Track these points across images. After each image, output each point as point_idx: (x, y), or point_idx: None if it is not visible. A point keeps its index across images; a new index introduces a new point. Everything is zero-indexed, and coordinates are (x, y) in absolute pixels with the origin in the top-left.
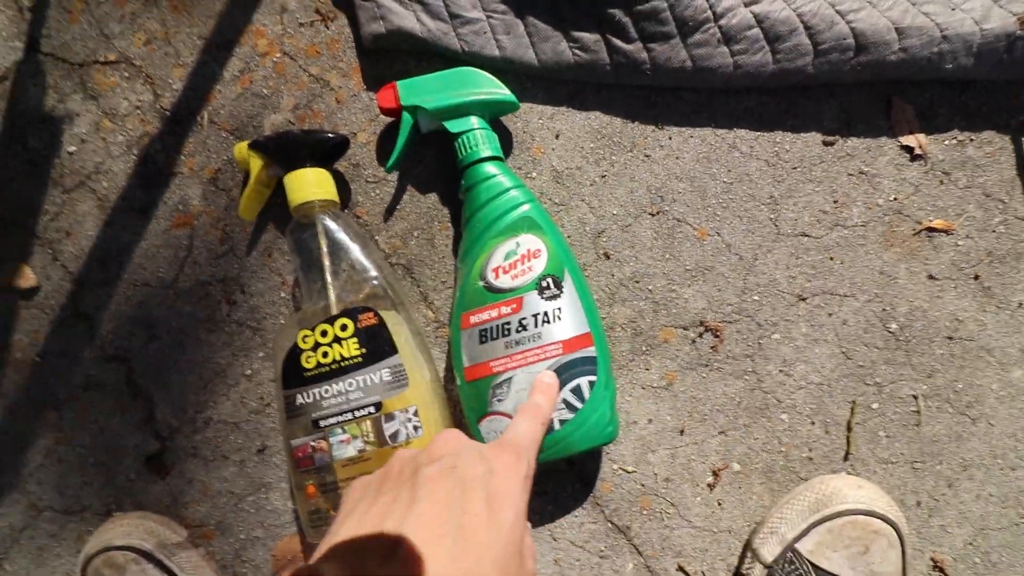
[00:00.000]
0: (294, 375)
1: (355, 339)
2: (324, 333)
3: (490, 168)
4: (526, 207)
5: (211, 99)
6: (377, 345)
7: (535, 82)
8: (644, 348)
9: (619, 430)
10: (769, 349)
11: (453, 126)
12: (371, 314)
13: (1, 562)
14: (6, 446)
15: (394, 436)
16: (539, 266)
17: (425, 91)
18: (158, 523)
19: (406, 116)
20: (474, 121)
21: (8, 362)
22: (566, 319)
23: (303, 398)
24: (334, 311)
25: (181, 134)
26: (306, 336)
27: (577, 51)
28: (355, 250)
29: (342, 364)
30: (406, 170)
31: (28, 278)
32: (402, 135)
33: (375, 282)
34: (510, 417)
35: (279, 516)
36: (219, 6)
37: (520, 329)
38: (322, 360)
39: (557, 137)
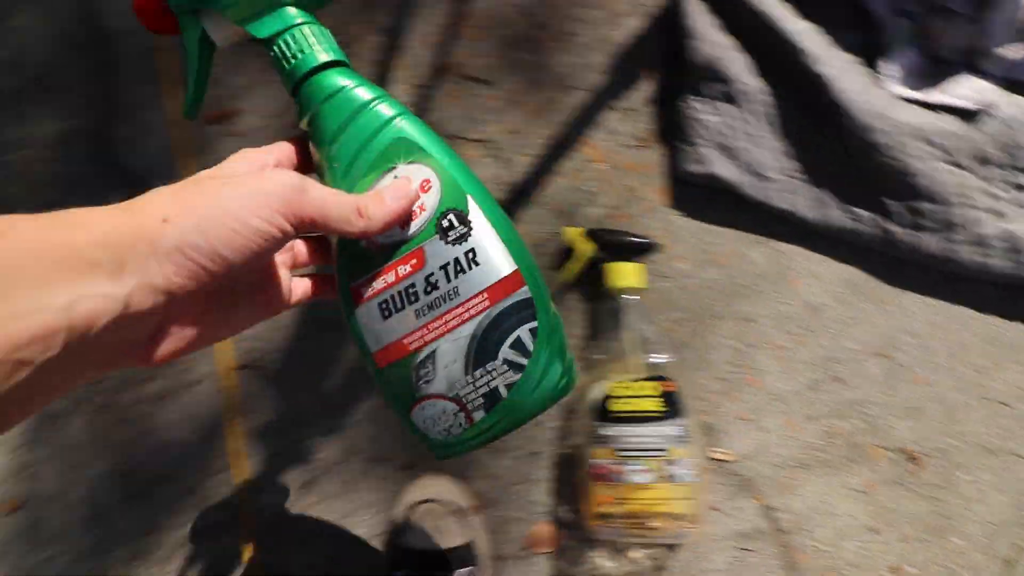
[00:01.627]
0: (604, 412)
1: (657, 399)
2: (631, 387)
3: (337, 78)
4: (398, 122)
5: (545, 184)
6: (673, 406)
7: (805, 230)
8: (856, 457)
9: (577, 380)
10: (957, 485)
11: (262, 27)
12: (671, 382)
13: (313, 484)
14: (341, 401)
15: (673, 477)
16: (432, 202)
17: None
18: (460, 490)
19: (187, 25)
20: (293, 13)
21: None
22: (485, 261)
23: (609, 431)
24: (631, 372)
25: (518, 204)
26: (618, 387)
27: (852, 221)
28: (646, 329)
29: (644, 415)
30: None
31: None
32: (191, 57)
33: (660, 357)
34: (448, 399)
35: (537, 507)
36: (565, 118)
37: (430, 289)
38: (628, 407)
39: (814, 277)
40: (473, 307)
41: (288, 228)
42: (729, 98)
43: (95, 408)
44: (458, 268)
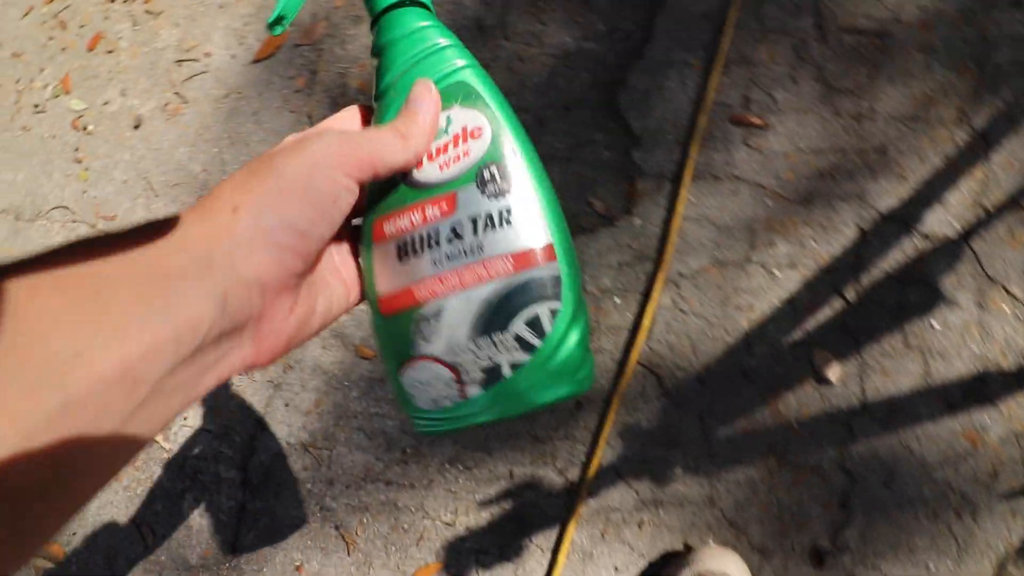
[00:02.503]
0: None
1: None
2: None
3: (414, 18)
4: (466, 71)
5: None
6: None
7: None
8: None
9: (591, 384)
10: None
11: None
12: None
13: (655, 505)
14: (727, 452)
15: None
16: (479, 150)
17: None
18: (747, 571)
19: None
20: None
21: (773, 414)
22: (519, 224)
23: None
24: None
25: (1019, 387)
26: None
27: None
28: None
29: None
30: None
31: (835, 374)
32: None
33: None
34: (443, 364)
35: None
36: None
37: (453, 238)
38: None
39: None
40: (494, 268)
41: (349, 182)
42: None
43: None
44: (488, 223)
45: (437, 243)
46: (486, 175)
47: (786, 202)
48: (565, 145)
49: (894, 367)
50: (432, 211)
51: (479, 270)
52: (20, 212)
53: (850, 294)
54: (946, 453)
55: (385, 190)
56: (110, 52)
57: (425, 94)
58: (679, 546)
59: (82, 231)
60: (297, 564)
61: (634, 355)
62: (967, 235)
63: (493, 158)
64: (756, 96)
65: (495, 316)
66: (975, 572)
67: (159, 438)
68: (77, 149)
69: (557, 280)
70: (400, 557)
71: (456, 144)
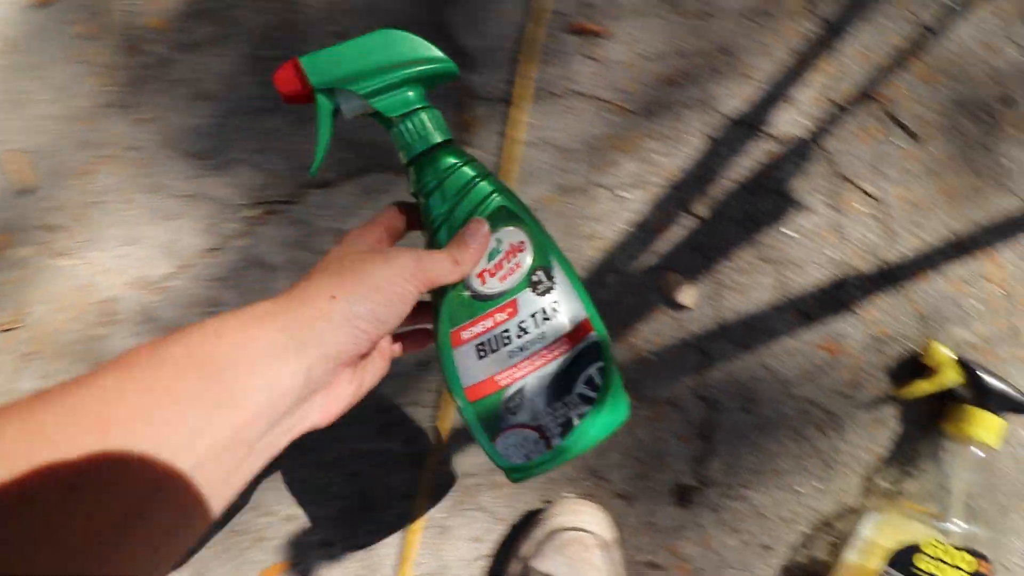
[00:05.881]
0: (905, 565)
1: None
2: (948, 553)
3: (449, 157)
4: (496, 196)
5: (922, 279)
6: None
7: None
8: None
9: (629, 412)
10: None
11: (389, 108)
12: (989, 565)
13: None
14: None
15: None
16: (527, 260)
17: (340, 65)
18: (608, 521)
19: (323, 101)
20: (412, 97)
21: (627, 348)
22: (563, 310)
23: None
24: (955, 539)
25: (876, 289)
26: (932, 546)
27: None
28: (971, 492)
29: None
30: None
31: (688, 297)
32: (323, 127)
33: (965, 526)
34: (530, 428)
35: None
36: (981, 217)
37: (521, 334)
38: (935, 572)
39: None
40: (556, 350)
41: (415, 291)
42: None
43: None
44: (544, 316)
45: (509, 340)
46: (535, 279)
47: (629, 115)
48: None
49: (748, 283)
50: (500, 316)
51: (545, 354)
52: None
53: (700, 210)
54: (805, 368)
55: (455, 306)
56: None
57: (477, 229)
58: (540, 505)
59: None
60: None
61: None
62: (818, 134)
63: (538, 263)
64: (600, 3)
65: (562, 384)
66: (842, 488)
67: None
68: None
69: (597, 344)
70: (236, 563)
71: (508, 259)
